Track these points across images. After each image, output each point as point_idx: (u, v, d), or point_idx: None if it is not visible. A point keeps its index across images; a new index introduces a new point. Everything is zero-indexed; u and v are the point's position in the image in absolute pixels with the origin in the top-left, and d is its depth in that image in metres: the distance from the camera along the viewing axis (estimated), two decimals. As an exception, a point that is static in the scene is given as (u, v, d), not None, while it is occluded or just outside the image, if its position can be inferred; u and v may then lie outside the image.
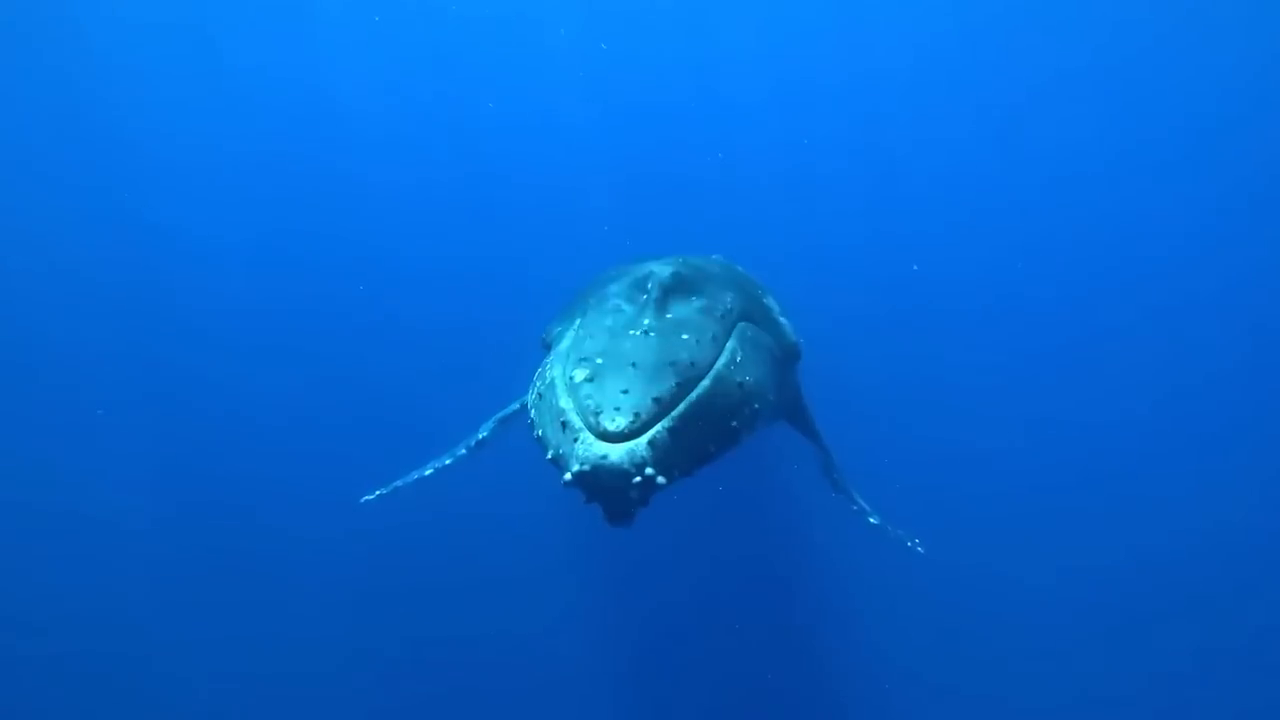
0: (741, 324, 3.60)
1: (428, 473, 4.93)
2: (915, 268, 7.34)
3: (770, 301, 4.17)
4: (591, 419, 2.90)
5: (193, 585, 6.74)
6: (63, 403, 7.16)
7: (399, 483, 4.96)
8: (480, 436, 4.89)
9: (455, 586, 6.70)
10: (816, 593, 6.85)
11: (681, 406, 2.99)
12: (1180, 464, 6.99)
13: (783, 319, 4.13)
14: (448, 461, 4.93)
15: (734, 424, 3.19)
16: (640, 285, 3.65)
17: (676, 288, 3.57)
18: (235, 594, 6.74)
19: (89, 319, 7.34)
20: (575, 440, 2.89)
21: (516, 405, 4.82)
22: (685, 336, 3.24)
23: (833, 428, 4.98)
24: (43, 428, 7.11)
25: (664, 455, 2.87)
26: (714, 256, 4.61)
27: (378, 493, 4.93)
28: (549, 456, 3.07)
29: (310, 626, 6.74)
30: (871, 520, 4.86)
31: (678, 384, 3.01)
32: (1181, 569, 6.74)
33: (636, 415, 2.88)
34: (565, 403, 3.05)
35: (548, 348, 3.89)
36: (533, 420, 3.29)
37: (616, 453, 2.81)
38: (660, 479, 2.84)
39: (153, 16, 7.69)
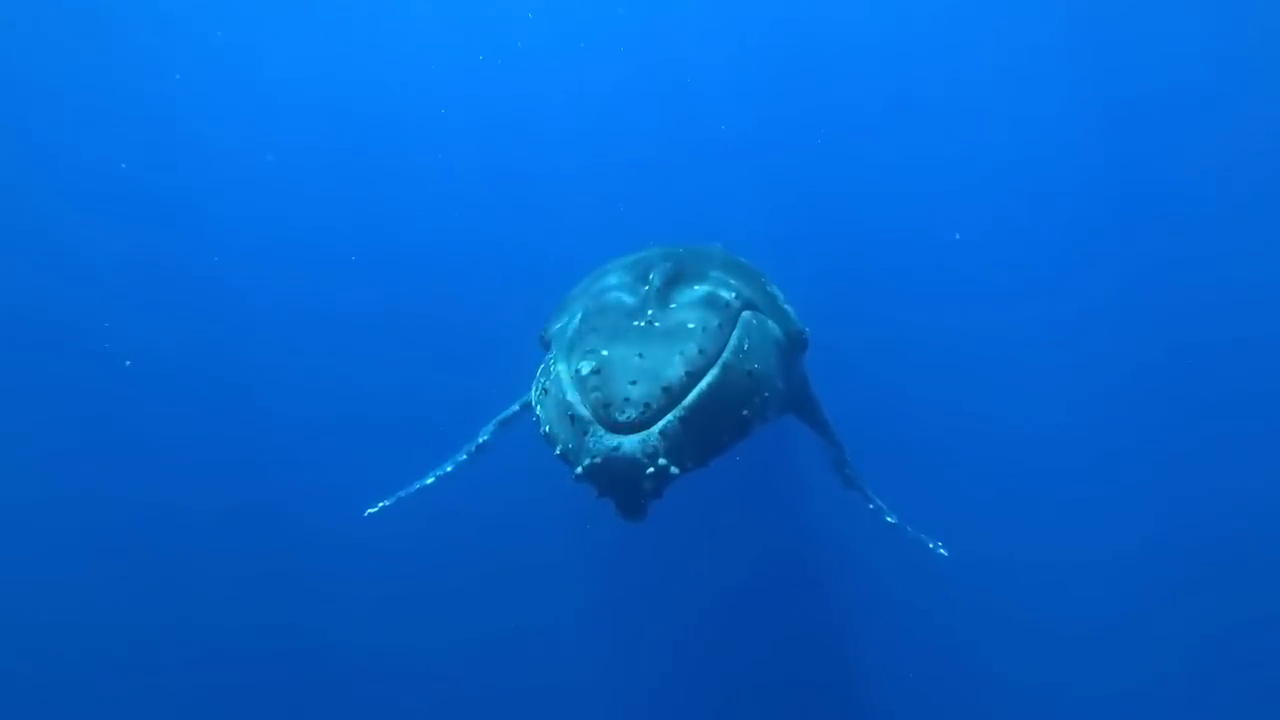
0: (746, 312, 3.54)
1: (429, 481, 4.86)
2: (957, 236, 7.13)
3: (774, 289, 4.10)
4: (601, 411, 2.86)
5: (182, 587, 6.68)
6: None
7: (402, 493, 4.90)
8: (481, 440, 4.83)
9: (461, 590, 6.61)
10: (830, 592, 6.70)
11: (692, 396, 2.94)
12: (1208, 462, 6.77)
13: (787, 306, 4.05)
14: (449, 468, 4.86)
15: (745, 413, 3.14)
16: (641, 276, 3.60)
17: (678, 277, 3.52)
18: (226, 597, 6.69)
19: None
20: (585, 433, 2.85)
21: (517, 406, 4.77)
22: (691, 325, 3.19)
23: (843, 421, 4.85)
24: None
25: (676, 445, 2.83)
26: (714, 245, 4.54)
27: (381, 505, 4.88)
28: (557, 452, 3.03)
29: (312, 629, 6.67)
30: (889, 519, 4.76)
31: (687, 373, 2.96)
32: (1205, 568, 6.57)
33: (647, 405, 2.84)
34: (572, 396, 3.01)
35: (546, 345, 3.85)
36: (539, 417, 3.24)
37: (628, 444, 2.78)
38: (674, 469, 2.80)
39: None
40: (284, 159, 7.61)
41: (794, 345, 3.92)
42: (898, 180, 7.51)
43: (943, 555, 4.81)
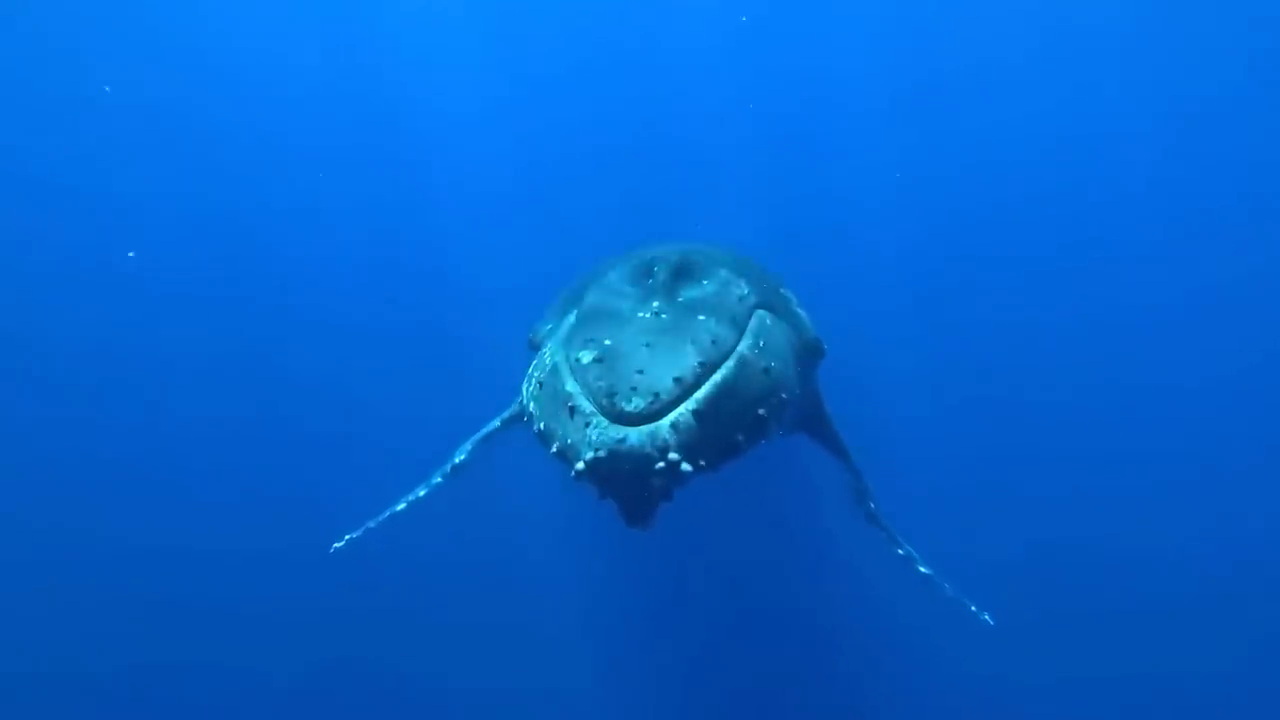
0: (760, 311, 3.25)
1: (400, 507, 4.45)
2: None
3: (787, 293, 3.82)
4: (604, 401, 2.58)
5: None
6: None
7: (371, 523, 4.50)
8: (458, 460, 4.41)
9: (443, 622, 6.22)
10: (848, 629, 6.24)
11: (706, 388, 2.67)
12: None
13: (801, 311, 3.77)
14: (422, 493, 4.44)
15: (761, 412, 2.84)
16: (645, 270, 3.31)
17: (686, 271, 3.24)
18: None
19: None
20: (587, 425, 2.56)
21: (498, 422, 4.40)
22: (702, 318, 2.92)
23: (865, 452, 4.46)
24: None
25: (689, 440, 2.53)
26: (722, 245, 4.25)
27: (347, 538, 4.48)
28: (554, 450, 2.73)
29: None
30: (922, 569, 4.34)
31: (700, 363, 2.69)
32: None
33: (656, 395, 2.55)
34: (572, 386, 2.73)
35: (536, 348, 3.55)
36: (533, 414, 2.94)
37: (636, 435, 2.48)
38: (685, 466, 2.50)
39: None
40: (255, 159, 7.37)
41: (809, 352, 3.63)
42: (932, 188, 7.21)
43: (988, 623, 4.40)
